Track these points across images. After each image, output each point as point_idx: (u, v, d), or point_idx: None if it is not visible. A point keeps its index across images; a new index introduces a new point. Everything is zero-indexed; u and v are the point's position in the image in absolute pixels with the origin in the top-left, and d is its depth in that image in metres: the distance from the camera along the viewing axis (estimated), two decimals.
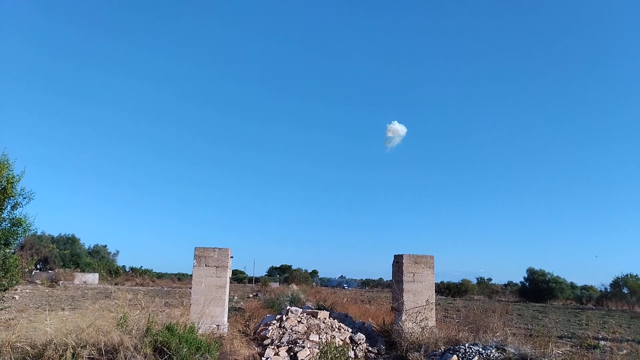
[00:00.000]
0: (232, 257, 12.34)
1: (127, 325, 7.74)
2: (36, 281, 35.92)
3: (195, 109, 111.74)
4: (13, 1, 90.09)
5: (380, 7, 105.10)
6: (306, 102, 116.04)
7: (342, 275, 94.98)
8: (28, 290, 28.24)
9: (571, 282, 49.81)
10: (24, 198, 7.86)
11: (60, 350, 6.69)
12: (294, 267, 76.98)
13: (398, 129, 78.44)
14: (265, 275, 78.84)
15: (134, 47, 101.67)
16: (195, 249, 11.94)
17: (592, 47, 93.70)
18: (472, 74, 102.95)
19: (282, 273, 79.07)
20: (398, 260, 12.50)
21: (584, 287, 51.50)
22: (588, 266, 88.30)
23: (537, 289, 47.04)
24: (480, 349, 9.08)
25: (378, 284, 79.47)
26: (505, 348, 9.02)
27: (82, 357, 6.77)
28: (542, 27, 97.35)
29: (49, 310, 8.75)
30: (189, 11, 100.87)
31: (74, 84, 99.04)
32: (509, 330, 10.98)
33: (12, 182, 7.63)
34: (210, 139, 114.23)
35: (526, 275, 50.40)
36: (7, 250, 7.99)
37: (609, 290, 42.08)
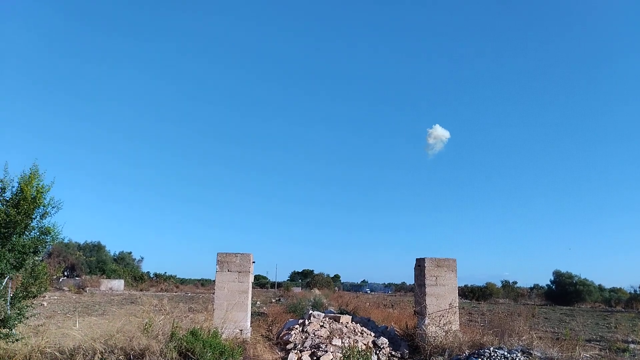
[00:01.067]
0: (254, 262, 12.44)
1: (152, 330, 7.87)
2: (63, 288, 36.70)
3: (220, 111, 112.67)
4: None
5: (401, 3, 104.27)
6: (326, 101, 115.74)
7: (364, 280, 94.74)
8: (56, 297, 28.88)
9: (599, 285, 48.88)
10: (53, 207, 8.07)
11: (89, 355, 6.84)
12: (315, 272, 77.08)
13: (440, 134, 75.84)
14: (288, 280, 79.08)
15: (154, 45, 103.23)
16: (217, 255, 12.06)
17: None
18: (499, 70, 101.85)
19: (304, 278, 79.21)
20: (420, 264, 12.44)
21: (613, 290, 50.38)
22: (617, 268, 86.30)
23: (564, 291, 46.19)
24: (506, 353, 8.97)
25: (401, 287, 78.97)
26: (532, 352, 8.90)
27: None
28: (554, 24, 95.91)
29: (77, 317, 8.95)
30: (211, 9, 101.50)
31: (98, 86, 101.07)
32: (535, 334, 10.81)
33: (42, 192, 7.85)
34: (234, 141, 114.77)
35: (552, 278, 49.62)
36: (36, 258, 8.21)
37: (638, 292, 41.09)
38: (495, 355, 8.98)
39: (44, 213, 7.99)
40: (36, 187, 7.85)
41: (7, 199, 7.78)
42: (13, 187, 7.87)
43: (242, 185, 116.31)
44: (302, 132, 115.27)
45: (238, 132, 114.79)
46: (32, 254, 7.98)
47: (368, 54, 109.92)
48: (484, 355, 9.08)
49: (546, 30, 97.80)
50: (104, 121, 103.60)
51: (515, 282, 60.26)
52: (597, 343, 13.85)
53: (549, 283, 50.43)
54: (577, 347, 9.31)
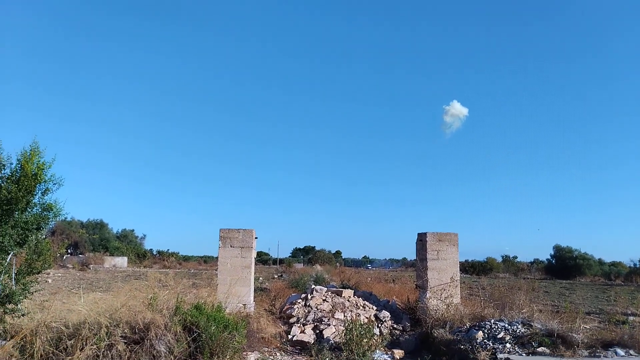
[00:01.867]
0: (256, 237, 12.49)
1: (157, 305, 7.95)
2: (67, 265, 37.02)
3: (223, 81, 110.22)
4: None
5: None
6: (333, 69, 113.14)
7: (365, 256, 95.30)
8: (60, 274, 29.17)
9: (599, 259, 49.21)
10: (54, 184, 8.05)
11: (95, 329, 6.92)
12: (317, 249, 77.56)
13: (458, 111, 72.27)
14: (289, 256, 79.61)
15: (162, 24, 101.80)
16: (220, 231, 12.12)
17: None
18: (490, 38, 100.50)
19: (306, 254, 79.76)
20: (422, 239, 12.49)
21: (612, 264, 50.71)
22: (617, 242, 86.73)
23: (564, 265, 46.55)
24: (507, 325, 9.07)
25: (401, 263, 79.62)
26: (532, 324, 9.00)
27: (116, 336, 6.99)
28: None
29: (81, 292, 9.04)
30: None
31: (99, 61, 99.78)
32: (536, 306, 10.92)
33: (43, 169, 7.83)
34: (238, 113, 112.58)
35: (552, 253, 49.95)
36: (39, 235, 8.23)
37: (638, 266, 41.39)
38: (496, 327, 9.08)
39: (46, 189, 7.98)
40: (37, 164, 7.83)
41: (7, 175, 7.76)
42: (11, 163, 7.86)
43: (245, 159, 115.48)
44: (306, 101, 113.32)
45: (242, 103, 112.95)
46: (35, 231, 8.00)
47: (384, 23, 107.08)
48: (485, 327, 9.19)
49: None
50: (104, 96, 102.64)
51: (515, 257, 60.66)
52: (597, 316, 14.01)
53: (549, 257, 50.80)
54: (577, 319, 9.40)
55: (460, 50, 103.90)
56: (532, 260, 60.19)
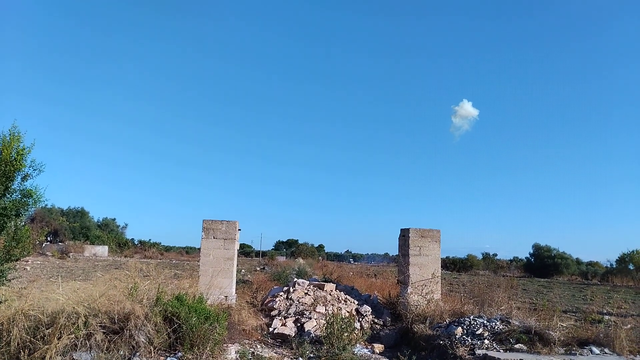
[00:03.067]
0: (239, 229, 12.44)
1: (137, 295, 7.87)
2: (47, 253, 36.48)
3: (214, 66, 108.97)
4: None
5: None
6: (325, 57, 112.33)
7: (348, 250, 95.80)
8: (39, 262, 28.74)
9: (577, 258, 50.02)
10: (34, 170, 7.93)
11: (73, 319, 6.82)
12: (300, 242, 77.67)
13: (467, 112, 69.45)
14: (272, 249, 79.63)
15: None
16: (203, 222, 12.03)
17: None
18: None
19: (289, 247, 79.85)
20: (405, 234, 12.56)
21: (590, 263, 51.63)
22: (594, 242, 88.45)
23: (543, 264, 47.28)
24: (485, 322, 9.19)
25: (384, 258, 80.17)
26: (510, 321, 9.12)
27: (94, 325, 6.91)
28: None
29: (60, 281, 8.90)
30: None
31: (84, 43, 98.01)
32: (514, 304, 11.07)
33: (22, 154, 7.70)
34: (226, 101, 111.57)
35: (532, 251, 50.68)
36: (19, 222, 8.09)
37: (614, 266, 42.20)
38: (475, 323, 9.19)
39: (25, 175, 7.85)
40: (16, 149, 7.68)
41: None
42: None
43: (231, 151, 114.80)
44: (301, 93, 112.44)
45: (232, 94, 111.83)
46: (14, 217, 7.86)
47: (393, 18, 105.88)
48: (464, 323, 9.29)
49: None
50: (86, 80, 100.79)
51: (495, 255, 61.65)
52: (573, 314, 14.26)
53: (528, 256, 51.55)
54: (554, 317, 9.55)
55: (470, 47, 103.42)
56: (512, 259, 61.21)
